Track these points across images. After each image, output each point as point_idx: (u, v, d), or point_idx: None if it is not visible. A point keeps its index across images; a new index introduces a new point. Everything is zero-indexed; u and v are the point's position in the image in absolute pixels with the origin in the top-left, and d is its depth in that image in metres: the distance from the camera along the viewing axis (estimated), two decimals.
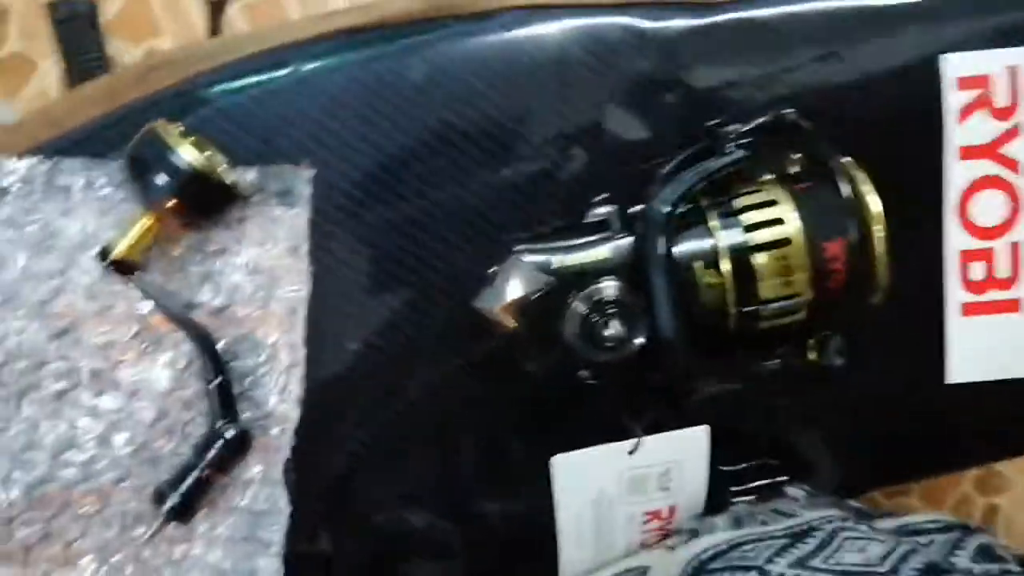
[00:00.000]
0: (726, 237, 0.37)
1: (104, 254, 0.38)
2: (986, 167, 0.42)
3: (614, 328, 0.37)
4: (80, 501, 0.39)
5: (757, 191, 0.38)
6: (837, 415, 0.44)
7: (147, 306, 0.39)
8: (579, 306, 0.37)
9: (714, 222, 0.37)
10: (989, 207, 0.42)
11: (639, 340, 0.37)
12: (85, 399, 0.39)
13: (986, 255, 0.43)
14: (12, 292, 0.38)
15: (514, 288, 0.37)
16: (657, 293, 0.36)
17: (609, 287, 0.37)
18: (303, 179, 0.39)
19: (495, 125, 0.40)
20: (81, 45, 0.79)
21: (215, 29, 0.60)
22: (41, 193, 0.39)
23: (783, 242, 0.37)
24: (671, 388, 0.39)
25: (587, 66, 0.41)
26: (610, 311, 0.37)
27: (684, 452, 0.41)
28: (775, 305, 0.37)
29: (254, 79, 0.41)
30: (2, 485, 0.39)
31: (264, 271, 0.40)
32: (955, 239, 0.43)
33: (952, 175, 0.42)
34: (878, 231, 0.37)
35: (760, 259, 0.37)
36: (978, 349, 0.43)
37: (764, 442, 0.45)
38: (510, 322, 0.37)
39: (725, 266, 0.37)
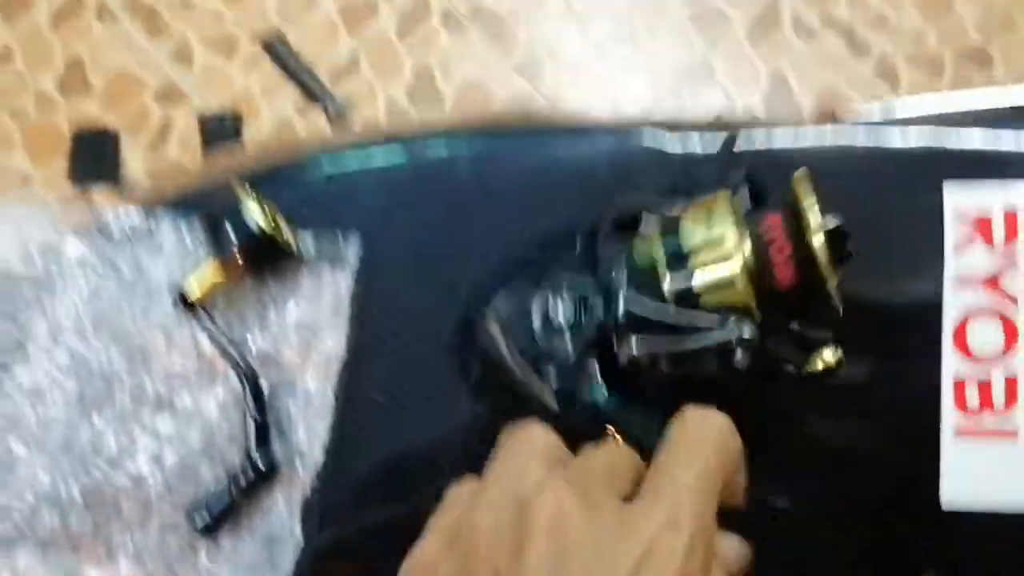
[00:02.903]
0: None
1: (178, 294, 0.45)
2: (982, 298, 0.44)
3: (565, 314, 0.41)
4: (128, 507, 0.45)
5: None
6: (829, 525, 0.46)
7: (208, 344, 0.46)
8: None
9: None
10: (985, 336, 0.44)
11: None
12: (147, 419, 0.46)
13: (982, 382, 0.44)
14: (102, 319, 0.46)
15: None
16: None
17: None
18: (352, 249, 0.46)
19: (516, 219, 0.46)
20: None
21: None
22: (140, 239, 0.46)
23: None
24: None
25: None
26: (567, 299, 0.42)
27: None
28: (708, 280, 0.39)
29: (330, 168, 0.49)
30: (65, 481, 0.45)
31: (309, 325, 0.46)
32: (951, 364, 0.45)
33: (949, 303, 0.45)
34: (817, 238, 0.38)
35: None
36: (974, 475, 0.44)
37: None
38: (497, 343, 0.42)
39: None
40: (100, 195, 1.04)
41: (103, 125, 1.26)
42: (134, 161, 1.25)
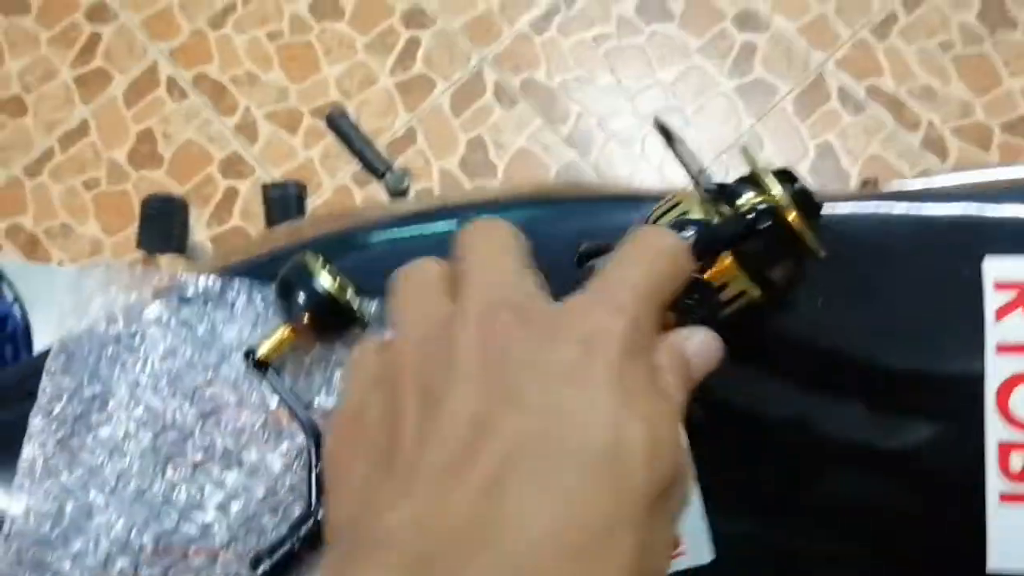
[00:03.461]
0: None
1: (249, 354, 0.47)
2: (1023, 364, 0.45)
3: None
4: (195, 556, 0.47)
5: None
6: None
7: (275, 401, 0.48)
8: None
9: None
10: None
11: None
12: (215, 472, 0.48)
13: None
14: (176, 376, 0.49)
15: None
16: None
17: None
18: None
19: (569, 286, 0.48)
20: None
21: None
22: (213, 303, 0.49)
23: None
24: None
25: None
26: None
27: None
28: None
29: (390, 235, 0.52)
30: (138, 531, 0.47)
31: None
32: (994, 430, 0.45)
33: (991, 370, 0.46)
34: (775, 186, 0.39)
35: None
36: (1020, 540, 0.45)
37: None
38: None
39: None
40: (167, 262, 1.08)
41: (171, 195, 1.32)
42: (199, 230, 1.31)
